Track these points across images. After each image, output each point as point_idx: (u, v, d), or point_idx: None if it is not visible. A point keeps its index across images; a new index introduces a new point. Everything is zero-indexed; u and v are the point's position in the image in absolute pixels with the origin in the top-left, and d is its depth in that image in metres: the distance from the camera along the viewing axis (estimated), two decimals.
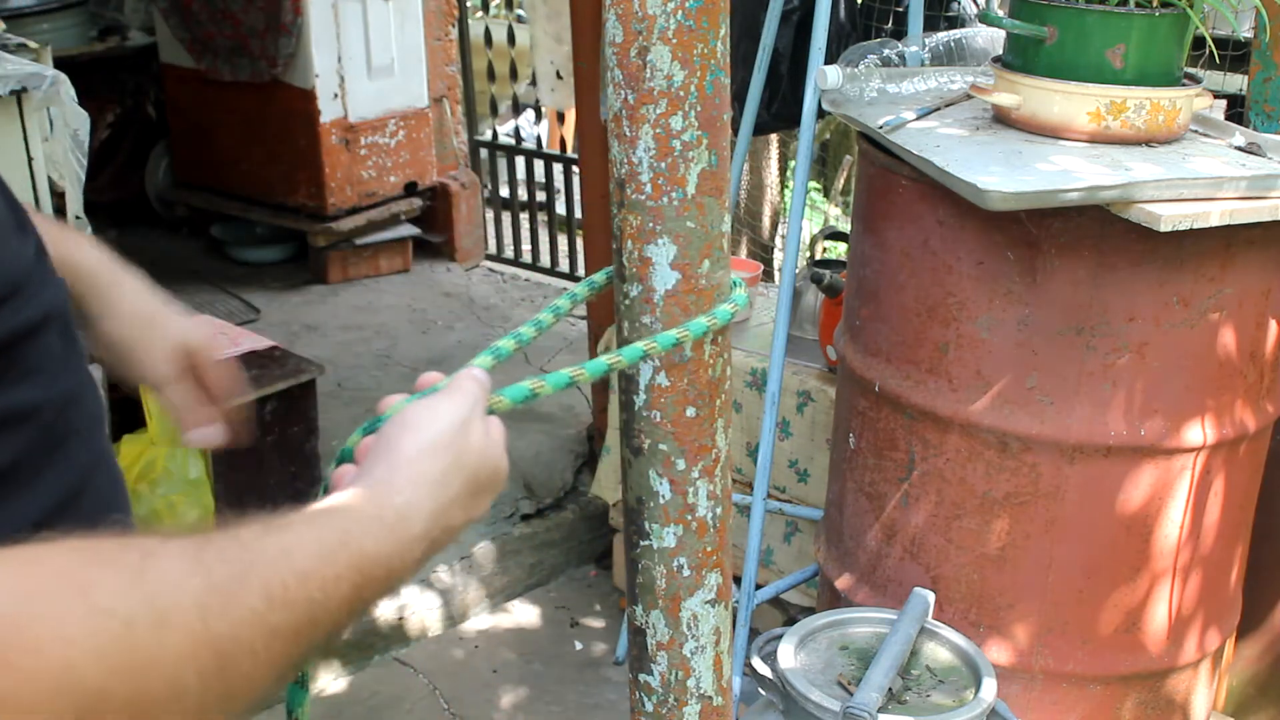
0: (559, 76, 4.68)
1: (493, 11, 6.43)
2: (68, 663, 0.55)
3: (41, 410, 0.73)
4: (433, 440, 0.78)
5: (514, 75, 5.12)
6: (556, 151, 5.33)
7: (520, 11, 5.09)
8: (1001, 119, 1.93)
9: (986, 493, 1.93)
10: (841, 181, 5.89)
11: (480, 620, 3.22)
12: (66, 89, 2.70)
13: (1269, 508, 2.15)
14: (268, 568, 0.66)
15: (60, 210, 2.71)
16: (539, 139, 5.82)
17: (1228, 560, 2.05)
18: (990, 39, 2.42)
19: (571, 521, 3.43)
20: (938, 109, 2.04)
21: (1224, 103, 2.72)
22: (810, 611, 2.61)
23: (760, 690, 1.73)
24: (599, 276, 0.95)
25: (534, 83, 4.99)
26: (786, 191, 5.74)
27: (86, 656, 0.55)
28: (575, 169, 4.39)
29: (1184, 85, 1.84)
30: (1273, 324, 1.90)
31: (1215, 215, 1.68)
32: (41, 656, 0.54)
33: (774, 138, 5.55)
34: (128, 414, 3.13)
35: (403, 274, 4.77)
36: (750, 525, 2.48)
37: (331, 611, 0.69)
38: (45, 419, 0.73)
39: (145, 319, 1.05)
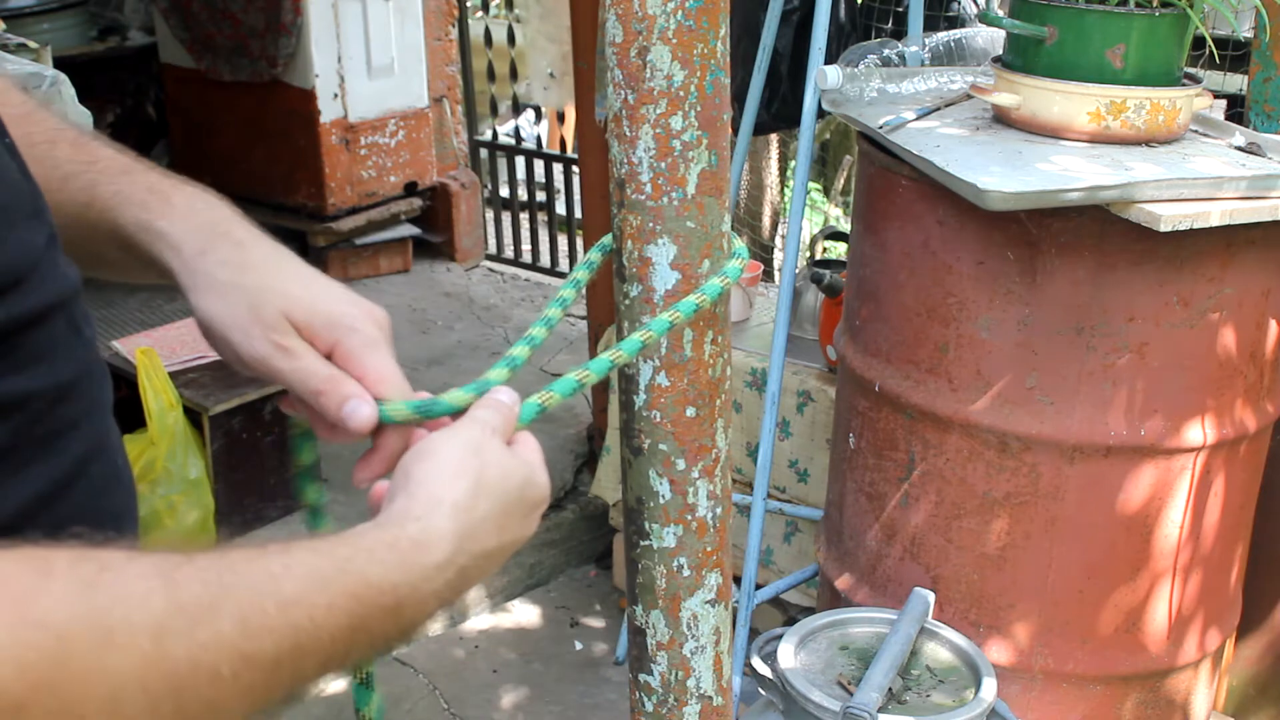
0: (551, 76, 4.69)
1: (493, 11, 6.43)
2: None
3: (31, 400, 0.72)
4: (450, 464, 0.75)
5: (514, 75, 5.13)
6: (556, 151, 5.33)
7: (519, 11, 5.09)
8: (1001, 119, 1.93)
9: (986, 493, 1.93)
10: (841, 181, 5.89)
11: (480, 620, 3.22)
12: (66, 89, 2.70)
13: (1269, 508, 2.15)
14: (247, 591, 0.63)
15: None
16: (539, 139, 5.83)
17: (1228, 560, 2.05)
18: (990, 39, 2.42)
19: (571, 521, 3.43)
20: (938, 109, 2.04)
21: (1224, 103, 2.73)
22: (810, 611, 2.61)
23: (760, 690, 1.73)
24: (594, 254, 0.94)
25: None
26: (786, 191, 5.74)
27: (5, 667, 0.54)
28: (575, 169, 4.40)
29: (1184, 85, 1.85)
30: (1273, 324, 1.90)
31: (1215, 215, 1.68)
32: None
33: (774, 138, 5.55)
34: (128, 414, 3.13)
35: (403, 274, 4.77)
36: (750, 525, 2.48)
37: (324, 642, 0.66)
38: (35, 409, 0.72)
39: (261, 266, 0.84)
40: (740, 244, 0.94)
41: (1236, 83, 2.74)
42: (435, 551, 0.72)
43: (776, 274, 4.97)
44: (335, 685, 2.95)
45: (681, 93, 0.85)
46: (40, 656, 0.55)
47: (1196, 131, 1.96)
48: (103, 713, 0.57)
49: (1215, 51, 2.09)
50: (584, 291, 0.99)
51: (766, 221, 5.73)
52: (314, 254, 4.61)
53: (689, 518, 0.95)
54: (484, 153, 5.26)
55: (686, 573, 0.96)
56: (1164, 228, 1.65)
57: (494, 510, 0.76)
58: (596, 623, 3.22)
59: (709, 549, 0.97)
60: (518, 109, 5.47)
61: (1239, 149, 1.89)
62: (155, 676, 0.59)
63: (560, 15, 4.66)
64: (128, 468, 0.84)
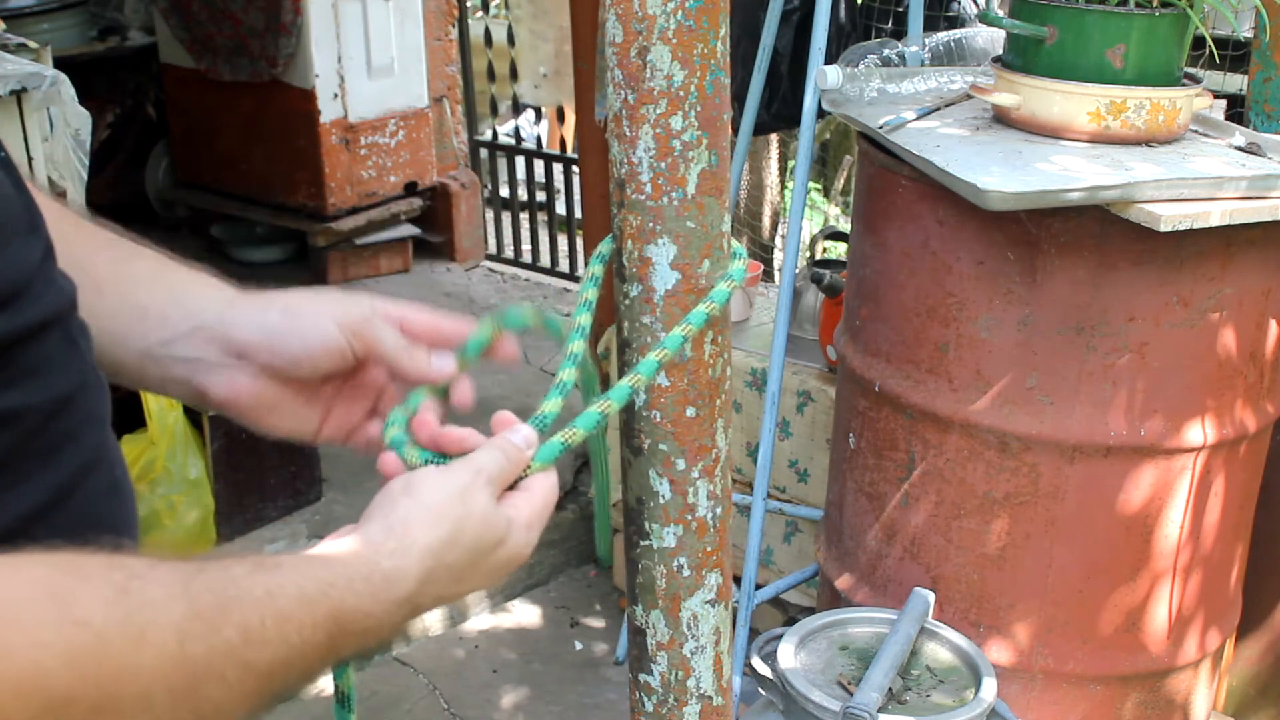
0: (544, 75, 4.70)
1: (493, 11, 6.43)
2: (37, 665, 0.57)
3: (26, 415, 0.73)
4: (430, 508, 0.78)
5: (514, 75, 5.12)
6: (556, 151, 5.33)
7: (515, 10, 5.10)
8: (1001, 119, 1.93)
9: (986, 493, 1.93)
10: (841, 181, 5.89)
11: (480, 620, 3.22)
12: (66, 89, 2.70)
13: (1269, 508, 2.15)
14: (250, 604, 0.68)
15: None
16: (539, 139, 5.83)
17: (1228, 560, 2.05)
18: (990, 39, 2.42)
19: (571, 521, 3.43)
20: (938, 109, 2.04)
21: (1224, 103, 2.73)
22: (810, 611, 2.61)
23: (760, 690, 1.73)
24: (596, 267, 0.93)
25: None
26: (786, 191, 5.74)
27: (56, 661, 0.58)
28: (575, 169, 4.40)
29: (1184, 85, 1.84)
30: (1273, 324, 1.90)
31: (1215, 215, 1.68)
32: (11, 658, 0.56)
33: (774, 138, 5.55)
34: (128, 414, 3.13)
35: (403, 274, 4.77)
36: (750, 525, 2.48)
37: (306, 656, 0.71)
38: (30, 423, 0.73)
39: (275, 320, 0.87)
40: (738, 245, 0.94)
41: (1236, 83, 2.74)
42: (400, 589, 0.76)
43: (776, 274, 4.97)
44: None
45: (681, 93, 0.85)
46: (85, 652, 0.59)
47: (1196, 131, 1.96)
48: (137, 707, 0.62)
49: (1215, 51, 2.09)
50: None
51: (766, 221, 5.73)
52: (314, 254, 4.61)
53: (689, 518, 0.95)
54: (484, 153, 5.26)
55: (686, 573, 0.96)
56: (1164, 228, 1.65)
57: (460, 561, 0.79)
58: (596, 623, 3.22)
59: (709, 549, 0.97)
60: (518, 109, 5.47)
61: (1239, 149, 1.89)
62: (179, 675, 0.63)
63: (553, 15, 4.67)
64: (126, 478, 0.84)
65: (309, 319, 0.87)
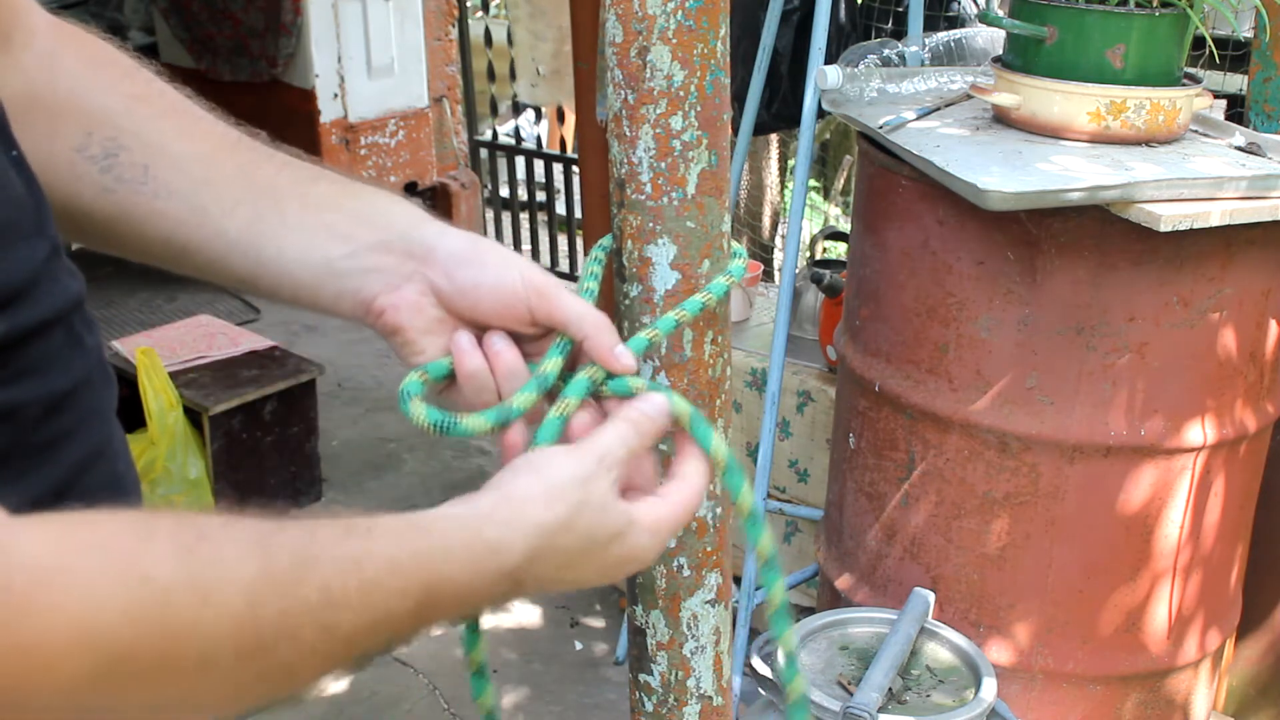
0: (540, 74, 4.70)
1: (493, 11, 6.43)
2: (92, 620, 0.57)
3: (22, 411, 0.73)
4: (549, 487, 0.76)
5: (514, 75, 5.13)
6: (556, 151, 5.34)
7: (513, 10, 5.11)
8: (1001, 119, 1.93)
9: (986, 493, 1.93)
10: (841, 181, 5.90)
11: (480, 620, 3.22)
12: None
13: (1269, 508, 2.15)
14: (333, 567, 0.67)
15: None
16: (539, 139, 5.84)
17: (1228, 560, 2.05)
18: (990, 39, 2.42)
19: None
20: (938, 109, 2.04)
21: (1224, 103, 2.73)
22: (810, 611, 2.61)
23: (760, 690, 1.73)
24: (591, 282, 0.92)
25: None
26: (786, 191, 5.74)
27: (112, 616, 0.58)
28: (575, 169, 4.40)
29: (1184, 85, 1.84)
30: (1273, 324, 1.90)
31: (1215, 215, 1.68)
32: (64, 611, 0.56)
33: (774, 138, 5.55)
34: (128, 414, 3.13)
35: None
36: None
37: (394, 623, 0.70)
38: (26, 418, 0.73)
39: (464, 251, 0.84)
40: (738, 245, 0.94)
41: (1236, 83, 2.74)
42: (505, 560, 0.74)
43: (776, 274, 4.97)
44: (336, 686, 2.94)
45: (681, 93, 0.85)
46: (146, 609, 0.59)
47: (1196, 131, 1.96)
48: (197, 667, 0.61)
49: (1215, 51, 2.09)
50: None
51: (766, 221, 5.73)
52: None
53: None
54: (484, 153, 5.27)
55: (686, 573, 0.96)
56: (1164, 228, 1.65)
57: (571, 547, 0.76)
58: (596, 623, 3.22)
59: (709, 549, 0.97)
60: (518, 109, 5.48)
61: (1239, 149, 1.89)
62: (246, 636, 0.63)
63: (550, 14, 4.67)
64: (132, 471, 0.84)
65: (495, 259, 0.85)
